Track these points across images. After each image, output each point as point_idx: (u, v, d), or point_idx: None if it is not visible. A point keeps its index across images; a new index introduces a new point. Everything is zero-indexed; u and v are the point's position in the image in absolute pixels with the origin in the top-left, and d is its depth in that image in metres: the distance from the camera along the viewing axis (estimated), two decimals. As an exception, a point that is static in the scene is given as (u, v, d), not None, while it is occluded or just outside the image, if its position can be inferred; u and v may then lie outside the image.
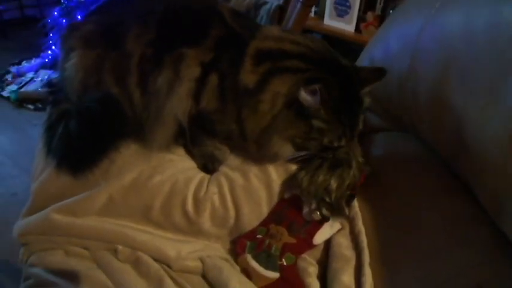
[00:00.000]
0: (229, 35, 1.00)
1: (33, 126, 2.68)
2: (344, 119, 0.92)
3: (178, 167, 1.07)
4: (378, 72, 0.97)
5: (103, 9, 1.11)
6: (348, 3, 2.35)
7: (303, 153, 0.97)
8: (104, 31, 1.03)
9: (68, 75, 1.03)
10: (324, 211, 0.98)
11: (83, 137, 0.99)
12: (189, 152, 1.12)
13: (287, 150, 0.96)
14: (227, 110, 1.00)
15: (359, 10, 2.36)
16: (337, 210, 0.99)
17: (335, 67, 0.95)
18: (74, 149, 0.99)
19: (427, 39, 1.01)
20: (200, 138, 1.08)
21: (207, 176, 1.07)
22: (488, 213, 0.84)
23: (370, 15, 2.33)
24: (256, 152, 1.03)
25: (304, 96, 0.88)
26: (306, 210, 1.01)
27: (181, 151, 1.11)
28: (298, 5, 1.50)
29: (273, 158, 1.01)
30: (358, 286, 0.92)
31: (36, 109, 2.81)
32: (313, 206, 0.99)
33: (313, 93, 0.87)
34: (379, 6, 2.35)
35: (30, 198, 1.07)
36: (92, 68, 1.02)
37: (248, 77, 0.94)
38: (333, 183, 0.98)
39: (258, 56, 0.95)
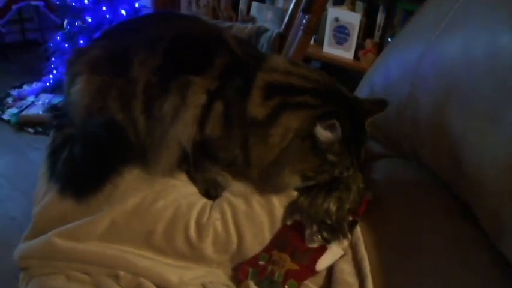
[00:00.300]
0: (234, 63, 1.02)
1: (33, 149, 2.69)
2: (352, 149, 0.96)
3: (182, 192, 1.07)
4: (380, 104, 1.02)
5: (109, 34, 1.14)
6: (346, 31, 2.39)
7: (310, 183, 0.99)
8: (110, 57, 1.05)
9: (73, 100, 1.05)
10: (325, 234, 0.99)
11: (87, 161, 0.99)
12: (191, 178, 1.13)
13: (296, 181, 0.99)
14: (231, 137, 1.02)
15: (357, 38, 2.40)
16: (338, 232, 1.00)
17: (342, 100, 0.99)
18: (78, 173, 1.00)
19: (427, 66, 1.03)
20: (203, 164, 1.09)
21: (209, 202, 1.07)
22: (488, 236, 0.84)
23: (368, 43, 2.37)
24: (258, 179, 1.04)
25: (321, 131, 0.91)
26: (308, 234, 1.01)
27: (184, 177, 1.12)
28: (300, 33, 1.53)
29: (280, 189, 1.03)
30: (362, 312, 0.91)
31: (36, 133, 2.82)
32: (314, 228, 0.99)
33: (330, 128, 0.90)
34: (377, 34, 2.39)
35: (32, 221, 1.07)
36: (97, 93, 1.03)
37: (257, 109, 0.97)
38: (332, 206, 0.99)
39: (267, 90, 0.98)
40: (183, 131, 1.01)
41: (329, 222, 0.99)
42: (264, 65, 1.03)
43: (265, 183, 1.03)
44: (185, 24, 1.13)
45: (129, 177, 1.04)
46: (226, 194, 1.08)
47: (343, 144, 0.94)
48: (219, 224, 1.02)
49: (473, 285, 0.81)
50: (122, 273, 0.98)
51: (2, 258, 1.79)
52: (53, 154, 1.07)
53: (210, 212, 1.04)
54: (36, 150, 2.66)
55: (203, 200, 1.07)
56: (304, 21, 1.49)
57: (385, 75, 1.22)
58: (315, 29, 1.54)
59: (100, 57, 1.05)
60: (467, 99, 0.88)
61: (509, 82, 0.79)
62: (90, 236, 1.01)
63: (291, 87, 1.00)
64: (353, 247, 1.02)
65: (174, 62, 1.02)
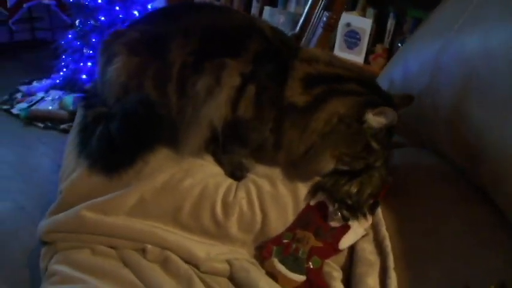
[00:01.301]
0: (268, 49, 1.06)
1: (42, 144, 2.70)
2: (390, 142, 1.02)
3: (209, 172, 1.10)
4: (407, 99, 1.08)
5: (147, 19, 1.18)
6: (357, 36, 2.45)
7: (344, 168, 1.02)
8: (148, 40, 1.08)
9: (109, 79, 1.08)
10: (345, 212, 1.02)
11: (124, 137, 1.02)
12: (217, 160, 1.15)
13: (331, 165, 1.02)
14: (263, 118, 1.05)
15: (368, 43, 2.46)
16: (357, 212, 1.03)
17: (381, 91, 1.05)
18: (113, 149, 1.02)
19: (447, 59, 1.07)
20: (232, 146, 1.11)
21: (235, 182, 1.10)
22: (508, 220, 0.87)
23: (378, 48, 2.43)
24: (285, 163, 1.08)
25: (372, 117, 0.97)
26: (329, 213, 1.04)
27: (210, 158, 1.15)
28: (320, 30, 1.58)
29: (314, 173, 1.06)
30: (383, 288, 0.94)
31: (45, 127, 2.82)
32: (336, 206, 1.03)
33: (383, 114, 0.96)
34: (387, 40, 2.45)
35: (59, 197, 1.09)
36: (134, 73, 1.06)
37: (297, 97, 1.01)
38: (353, 188, 1.03)
39: (308, 79, 1.02)
40: (215, 110, 1.04)
41: (349, 202, 1.02)
42: (301, 54, 1.07)
43: (299, 168, 1.06)
44: (221, 12, 1.18)
45: (159, 155, 1.07)
46: (251, 176, 1.11)
47: (386, 135, 0.99)
48: (244, 203, 1.05)
49: (494, 264, 0.84)
50: (149, 246, 1.01)
51: (10, 247, 1.81)
52: (84, 131, 1.09)
53: (236, 191, 1.07)
54: (46, 145, 2.67)
55: (229, 180, 1.10)
56: (324, 18, 1.54)
57: (404, 70, 1.26)
58: (335, 26, 1.58)
59: (138, 40, 1.09)
60: (487, 88, 0.92)
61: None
62: (119, 210, 1.04)
63: (336, 76, 1.04)
64: (375, 227, 1.05)
65: (209, 46, 1.06)
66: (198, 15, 1.13)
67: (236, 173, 1.12)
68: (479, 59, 0.96)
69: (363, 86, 1.03)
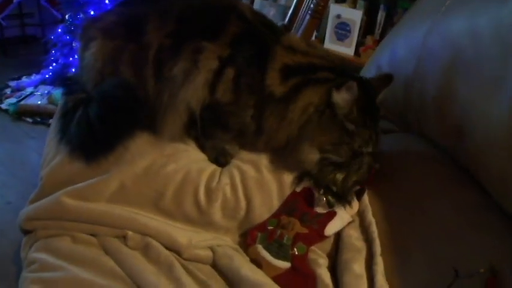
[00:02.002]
0: (247, 32, 1.04)
1: (31, 138, 2.67)
2: (369, 123, 0.97)
3: (192, 157, 1.08)
4: (385, 79, 1.04)
5: (126, 1, 1.15)
6: (348, 28, 2.44)
7: (330, 156, 0.98)
8: (124, 22, 1.06)
9: (87, 64, 1.06)
10: (330, 198, 1.01)
11: (102, 121, 1.00)
12: (200, 146, 1.13)
13: (315, 156, 0.99)
14: (241, 103, 1.03)
15: (358, 34, 2.44)
16: (342, 199, 1.02)
17: (356, 77, 1.02)
18: (92, 134, 1.00)
19: (433, 41, 1.06)
20: (212, 130, 1.10)
21: (219, 168, 1.08)
22: (494, 199, 0.86)
23: (369, 39, 2.41)
24: (268, 150, 1.07)
25: (338, 96, 0.93)
26: (315, 199, 1.02)
27: (194, 143, 1.13)
28: (307, 17, 1.56)
29: (300, 164, 1.03)
30: (370, 275, 0.92)
31: (34, 122, 2.80)
32: (321, 191, 1.01)
33: (347, 89, 0.92)
34: (377, 32, 2.44)
35: (39, 184, 1.07)
36: (110, 58, 1.04)
37: (276, 87, 0.99)
38: (339, 176, 1.00)
39: (285, 71, 1.00)
40: (192, 94, 1.01)
41: (334, 189, 1.01)
42: (283, 39, 1.05)
43: (283, 156, 1.05)
44: None
45: (139, 141, 1.05)
46: (235, 161, 1.09)
47: (359, 112, 0.95)
48: (228, 189, 1.03)
49: (481, 246, 0.83)
50: (130, 233, 0.99)
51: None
52: (64, 116, 1.07)
53: (219, 177, 1.05)
54: (34, 139, 2.64)
55: (213, 166, 1.08)
56: (312, 5, 1.52)
57: (391, 55, 1.25)
58: (322, 14, 1.57)
59: (114, 23, 1.07)
60: (473, 66, 0.91)
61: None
62: (99, 196, 1.02)
63: (311, 65, 1.02)
64: (361, 214, 1.03)
65: (187, 28, 1.04)
66: None
67: (220, 159, 1.10)
68: (465, 39, 0.95)
69: (334, 73, 1.01)
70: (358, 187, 1.04)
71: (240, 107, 1.03)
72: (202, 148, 1.13)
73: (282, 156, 1.06)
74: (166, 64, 1.02)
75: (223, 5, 1.09)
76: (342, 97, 0.94)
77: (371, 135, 0.98)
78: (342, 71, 1.02)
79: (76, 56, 2.96)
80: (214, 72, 1.01)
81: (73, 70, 2.94)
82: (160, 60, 1.02)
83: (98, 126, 0.99)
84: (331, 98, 0.95)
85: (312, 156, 0.99)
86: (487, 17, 0.90)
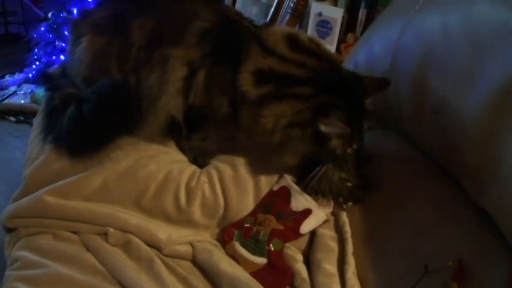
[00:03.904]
0: (217, 27, 1.03)
1: (14, 137, 2.65)
2: (354, 127, 0.96)
3: (174, 158, 1.11)
4: (381, 83, 1.04)
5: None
6: (329, 26, 2.45)
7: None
8: (113, 18, 1.07)
9: (77, 58, 1.07)
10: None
11: (97, 118, 1.00)
12: (179, 147, 1.16)
13: (294, 161, 1.02)
14: (214, 105, 1.03)
15: (340, 32, 2.46)
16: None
17: (341, 83, 0.99)
18: (85, 130, 1.01)
19: (407, 39, 1.09)
20: (193, 134, 1.11)
21: (199, 169, 1.10)
22: (469, 194, 0.89)
23: (350, 37, 2.42)
24: (247, 140, 1.08)
25: (324, 127, 0.92)
26: (293, 197, 1.05)
27: (174, 145, 1.15)
28: (287, 16, 1.58)
29: (279, 167, 1.07)
30: (341, 274, 0.95)
31: (17, 121, 2.78)
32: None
33: (332, 125, 0.92)
34: (359, 29, 2.46)
35: (23, 182, 1.08)
36: (100, 53, 1.05)
37: (249, 88, 0.98)
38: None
39: (259, 75, 0.98)
40: (169, 102, 1.03)
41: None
42: (262, 34, 1.04)
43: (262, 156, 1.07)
44: None
45: (123, 141, 1.06)
46: (213, 161, 1.11)
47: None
48: (207, 188, 1.05)
49: (454, 240, 0.86)
50: (111, 230, 1.00)
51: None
52: (51, 114, 1.07)
53: (198, 177, 1.07)
54: (18, 138, 2.63)
55: (193, 167, 1.10)
56: (292, 4, 1.54)
57: (367, 52, 1.27)
58: (302, 12, 1.58)
59: (103, 18, 1.08)
60: (446, 63, 0.93)
61: (485, 44, 0.84)
62: (81, 194, 1.03)
63: (288, 76, 0.98)
64: (336, 214, 1.07)
65: (160, 29, 1.04)
66: None
67: (198, 160, 1.12)
68: (437, 36, 0.97)
69: (316, 86, 0.97)
70: (349, 184, 1.06)
71: (214, 108, 1.04)
72: (181, 149, 1.15)
73: (259, 156, 1.09)
74: (144, 68, 1.03)
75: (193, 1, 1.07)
76: (329, 130, 0.93)
77: (353, 137, 0.99)
78: (324, 81, 0.98)
79: (61, 55, 2.96)
80: (184, 79, 1.02)
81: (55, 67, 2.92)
82: (139, 61, 1.03)
83: (92, 123, 0.99)
84: (317, 126, 0.93)
85: (293, 161, 1.02)
86: (458, 14, 0.93)
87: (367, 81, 1.02)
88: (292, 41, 1.03)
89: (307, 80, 0.98)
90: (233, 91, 1.00)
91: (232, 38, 1.03)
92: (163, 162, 1.08)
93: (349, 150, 1.01)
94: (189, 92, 1.03)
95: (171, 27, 1.03)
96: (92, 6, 2.90)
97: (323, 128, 0.93)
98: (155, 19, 1.05)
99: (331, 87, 0.98)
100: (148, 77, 1.03)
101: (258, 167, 1.08)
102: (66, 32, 2.94)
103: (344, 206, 1.06)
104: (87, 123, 1.00)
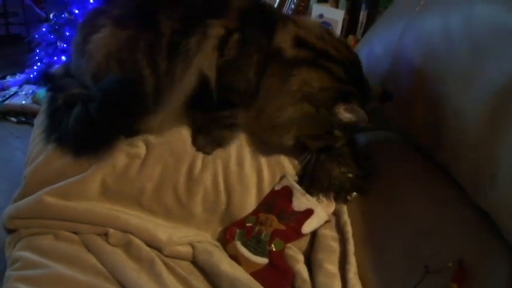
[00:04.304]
0: (254, 7, 1.07)
1: (16, 138, 2.66)
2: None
3: (172, 150, 1.08)
4: (384, 96, 1.08)
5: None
6: (330, 27, 2.46)
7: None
8: (136, 13, 1.04)
9: (92, 49, 1.02)
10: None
11: (105, 118, 0.99)
12: (195, 128, 1.11)
13: (290, 143, 1.04)
14: (244, 58, 1.03)
15: (340, 34, 2.47)
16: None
17: (361, 83, 1.06)
18: (92, 130, 0.99)
19: (408, 40, 1.10)
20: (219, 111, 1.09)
21: (200, 160, 1.08)
22: (468, 194, 0.89)
23: (350, 39, 2.43)
24: (253, 127, 1.09)
25: (342, 112, 0.98)
26: (295, 198, 1.05)
27: (181, 131, 1.11)
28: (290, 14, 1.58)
29: (274, 146, 1.08)
30: (343, 274, 0.95)
31: (19, 122, 2.78)
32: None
33: (354, 112, 0.97)
34: (359, 31, 2.46)
35: (23, 182, 1.08)
36: (125, 46, 1.01)
37: (286, 47, 1.01)
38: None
39: (299, 40, 1.03)
40: (204, 60, 1.01)
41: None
42: (294, 20, 1.07)
43: (263, 140, 1.08)
44: None
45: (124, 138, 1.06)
46: (218, 153, 1.09)
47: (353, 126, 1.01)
48: (209, 183, 1.05)
49: (454, 240, 0.86)
50: (111, 230, 1.01)
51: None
52: (54, 114, 1.05)
53: (201, 169, 1.06)
54: (19, 139, 2.63)
55: (193, 158, 1.08)
56: (293, 6, 1.54)
57: (368, 54, 1.28)
58: (304, 13, 1.59)
59: (122, 14, 1.04)
60: (446, 64, 0.94)
61: (485, 45, 0.85)
62: (81, 194, 1.03)
63: (325, 52, 1.03)
64: (337, 214, 1.07)
65: (195, 11, 1.04)
66: None
67: (207, 148, 1.09)
68: (438, 38, 0.99)
69: (346, 72, 1.03)
70: (350, 175, 1.08)
71: (244, 61, 1.03)
72: (197, 130, 1.11)
73: (263, 147, 1.10)
74: (180, 43, 1.01)
75: None
76: (345, 115, 0.98)
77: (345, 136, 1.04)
78: (354, 73, 1.05)
79: (62, 56, 2.95)
80: (222, 37, 1.02)
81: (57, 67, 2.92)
82: (173, 42, 1.01)
83: (99, 122, 0.98)
84: (335, 108, 0.99)
85: (290, 142, 1.04)
86: (458, 16, 0.94)
87: (374, 91, 1.07)
88: (326, 29, 1.10)
89: (341, 63, 1.03)
90: (266, 50, 1.02)
91: (270, 15, 1.07)
92: (161, 156, 1.07)
93: (337, 145, 1.05)
94: (223, 48, 1.02)
95: (208, 7, 1.05)
96: (93, 6, 2.92)
97: (342, 111, 0.97)
98: (184, 6, 1.04)
99: (357, 80, 1.04)
100: (186, 45, 1.01)
101: (261, 161, 1.10)
102: (67, 33, 2.95)
103: (348, 198, 1.07)
104: (94, 123, 0.98)
